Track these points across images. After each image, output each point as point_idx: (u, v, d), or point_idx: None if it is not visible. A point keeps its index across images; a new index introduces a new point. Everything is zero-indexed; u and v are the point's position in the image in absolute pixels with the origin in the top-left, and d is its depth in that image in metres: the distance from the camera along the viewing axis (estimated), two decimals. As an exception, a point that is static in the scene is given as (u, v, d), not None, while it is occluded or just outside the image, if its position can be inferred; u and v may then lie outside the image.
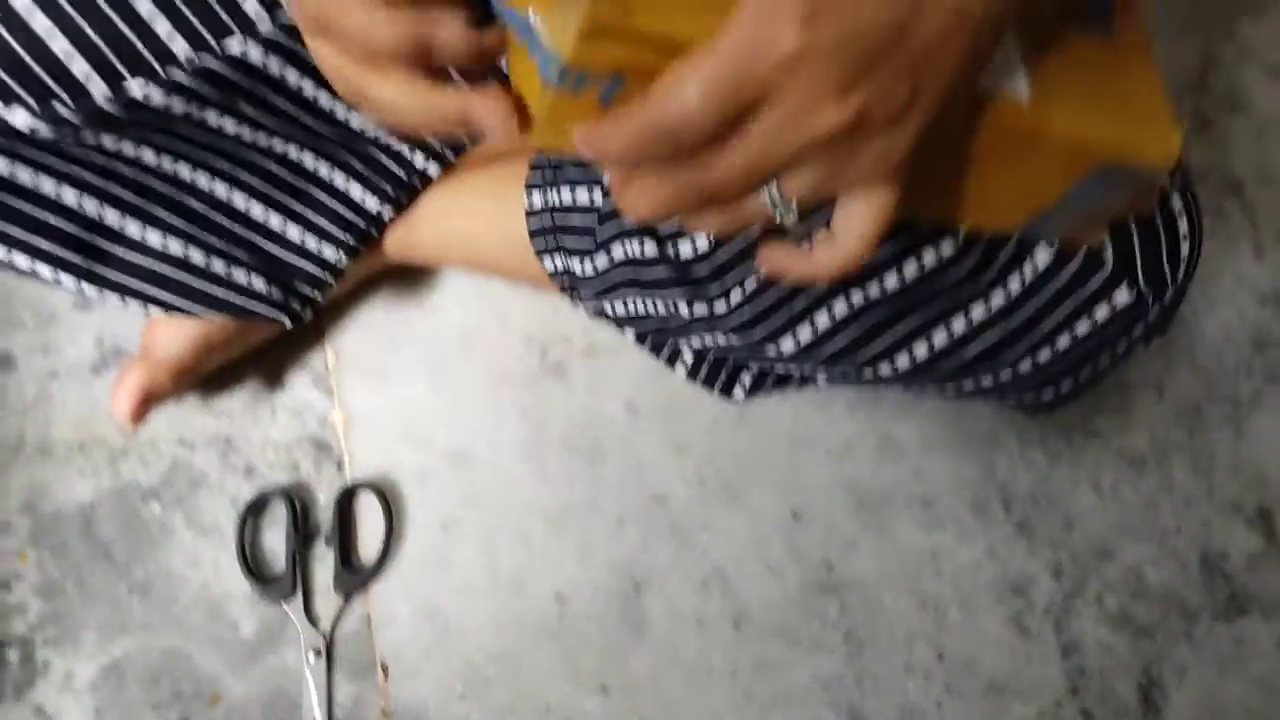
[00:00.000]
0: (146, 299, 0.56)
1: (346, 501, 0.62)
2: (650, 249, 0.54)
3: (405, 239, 0.62)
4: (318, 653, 0.58)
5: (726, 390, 0.65)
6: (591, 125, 0.32)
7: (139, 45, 0.45)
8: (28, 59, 0.44)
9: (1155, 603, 0.63)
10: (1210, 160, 0.76)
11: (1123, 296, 0.48)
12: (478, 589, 0.59)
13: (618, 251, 0.56)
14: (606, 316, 0.60)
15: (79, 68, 0.45)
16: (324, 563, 0.61)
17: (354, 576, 0.60)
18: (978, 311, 0.50)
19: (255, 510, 0.61)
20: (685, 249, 0.53)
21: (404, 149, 0.58)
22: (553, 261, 0.59)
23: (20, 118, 0.45)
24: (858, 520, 0.63)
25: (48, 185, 0.51)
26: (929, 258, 0.49)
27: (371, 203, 0.58)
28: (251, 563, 0.60)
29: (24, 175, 0.50)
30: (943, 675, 0.60)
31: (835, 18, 0.30)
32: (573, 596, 0.59)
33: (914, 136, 0.32)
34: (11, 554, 0.60)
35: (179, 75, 0.47)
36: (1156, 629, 0.62)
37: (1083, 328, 0.49)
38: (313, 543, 0.61)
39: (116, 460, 0.62)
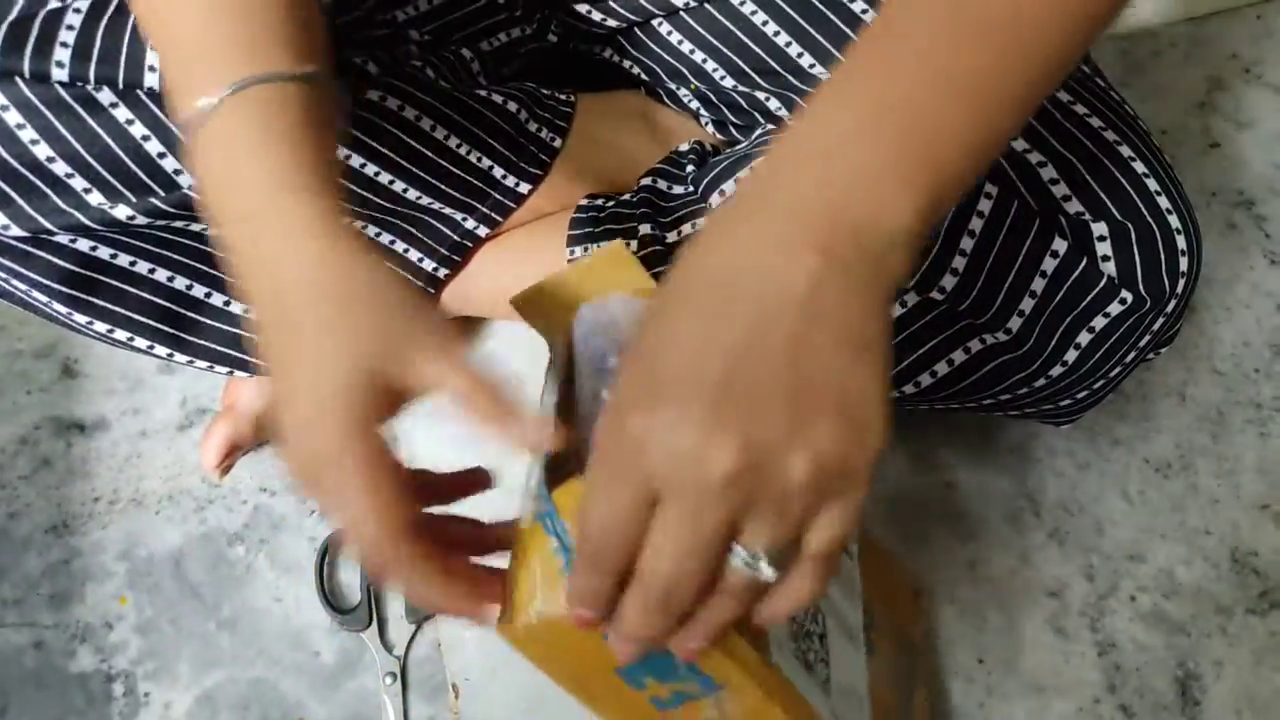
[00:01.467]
0: (230, 362, 0.62)
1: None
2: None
3: (461, 294, 0.68)
4: (393, 676, 0.64)
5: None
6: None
7: None
8: (130, 163, 0.51)
9: (1188, 600, 0.66)
10: (1221, 177, 0.80)
11: (1120, 307, 0.52)
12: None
13: (654, 294, 0.61)
14: (647, 355, 0.65)
15: (170, 164, 0.52)
16: (396, 594, 0.66)
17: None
18: (989, 339, 0.54)
19: (332, 549, 0.67)
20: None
21: (455, 214, 0.64)
22: (593, 308, 0.64)
23: (122, 211, 0.53)
24: (895, 533, 0.67)
25: (143, 266, 0.58)
26: (936, 294, 0.53)
27: (428, 264, 0.63)
28: (330, 596, 0.66)
29: (123, 260, 0.57)
30: (984, 678, 0.64)
31: (670, 387, 0.31)
32: (627, 616, 0.64)
33: (831, 434, 0.31)
34: (112, 598, 0.67)
35: None
36: (1190, 625, 0.65)
37: (1085, 338, 0.53)
38: None
39: (203, 509, 0.69)
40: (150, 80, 0.49)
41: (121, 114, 0.50)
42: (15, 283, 0.57)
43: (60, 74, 0.48)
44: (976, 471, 0.69)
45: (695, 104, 0.64)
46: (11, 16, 0.48)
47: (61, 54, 0.48)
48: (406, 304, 0.34)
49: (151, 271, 0.59)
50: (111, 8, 0.49)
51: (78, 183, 0.51)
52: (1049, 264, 0.51)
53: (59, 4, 0.49)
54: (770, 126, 0.59)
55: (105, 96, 0.49)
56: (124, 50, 0.49)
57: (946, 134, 0.34)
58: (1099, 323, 0.52)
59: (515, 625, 0.36)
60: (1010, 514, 0.68)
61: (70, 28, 0.48)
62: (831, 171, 0.33)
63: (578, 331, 0.41)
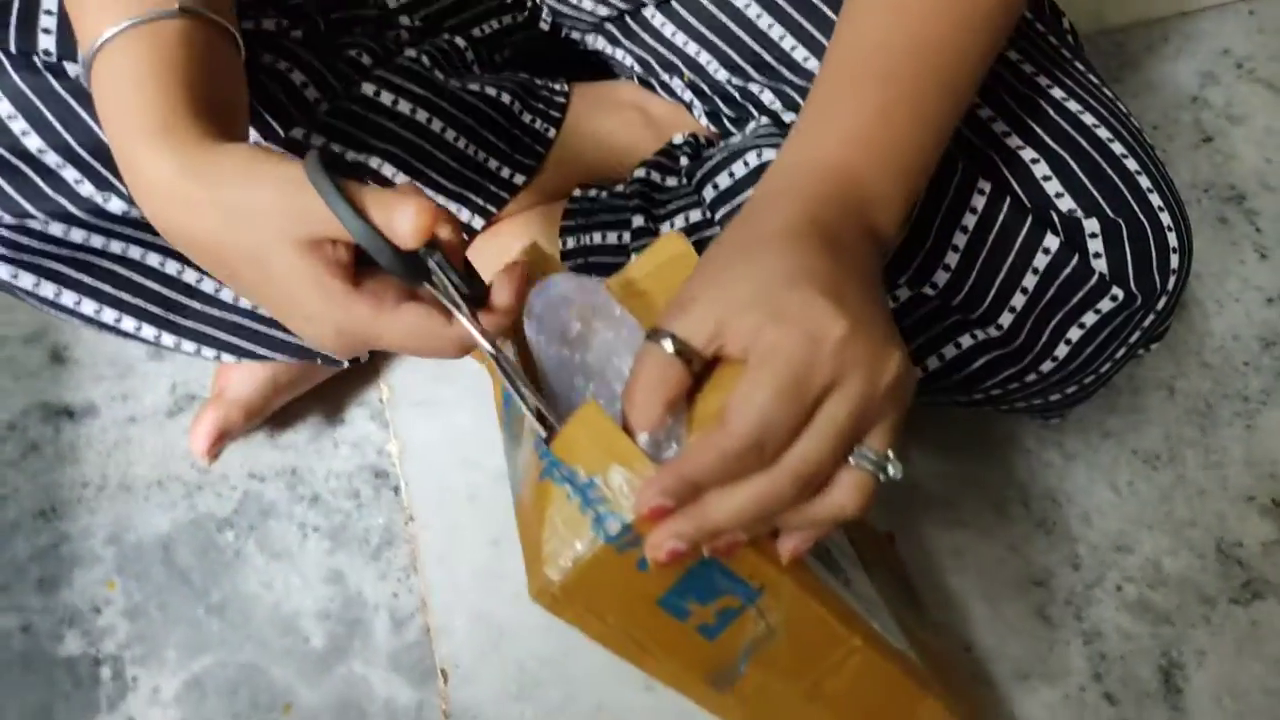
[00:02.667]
0: (220, 346, 0.63)
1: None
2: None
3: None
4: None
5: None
6: (682, 458, 0.36)
7: None
8: None
9: (1173, 590, 0.67)
10: (1212, 172, 0.82)
11: (1110, 303, 0.53)
12: (528, 598, 0.65)
13: (646, 285, 0.62)
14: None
15: None
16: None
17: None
18: (980, 335, 0.55)
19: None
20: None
21: (449, 205, 0.65)
22: (585, 297, 0.65)
23: (115, 204, 0.53)
24: (884, 521, 0.68)
25: (135, 251, 0.59)
26: (928, 290, 0.54)
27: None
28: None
29: (116, 246, 0.58)
30: (970, 665, 0.65)
31: (858, 299, 0.38)
32: (616, 604, 0.65)
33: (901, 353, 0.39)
34: (100, 582, 0.67)
35: None
36: (1175, 615, 0.66)
37: (1075, 334, 0.54)
38: None
39: (192, 494, 0.70)
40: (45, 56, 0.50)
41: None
42: (2, 266, 0.58)
43: (47, 41, 0.49)
44: (966, 461, 0.70)
45: (688, 95, 0.65)
46: None
47: (46, 40, 0.49)
48: (280, 172, 0.37)
49: (144, 256, 0.60)
50: None
51: (69, 173, 0.51)
52: (1040, 260, 0.52)
53: None
54: (764, 120, 0.59)
55: None
56: None
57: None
58: (1090, 319, 0.53)
59: (557, 582, 0.37)
60: (998, 504, 0.69)
61: (49, 13, 0.49)
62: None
63: (538, 301, 0.42)
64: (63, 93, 0.50)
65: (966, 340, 0.55)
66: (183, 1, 0.41)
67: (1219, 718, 0.64)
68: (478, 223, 0.66)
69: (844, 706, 0.47)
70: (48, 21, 0.49)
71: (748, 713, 0.46)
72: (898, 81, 0.44)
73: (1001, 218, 0.52)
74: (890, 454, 0.38)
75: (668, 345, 0.37)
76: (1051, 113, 0.53)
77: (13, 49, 0.49)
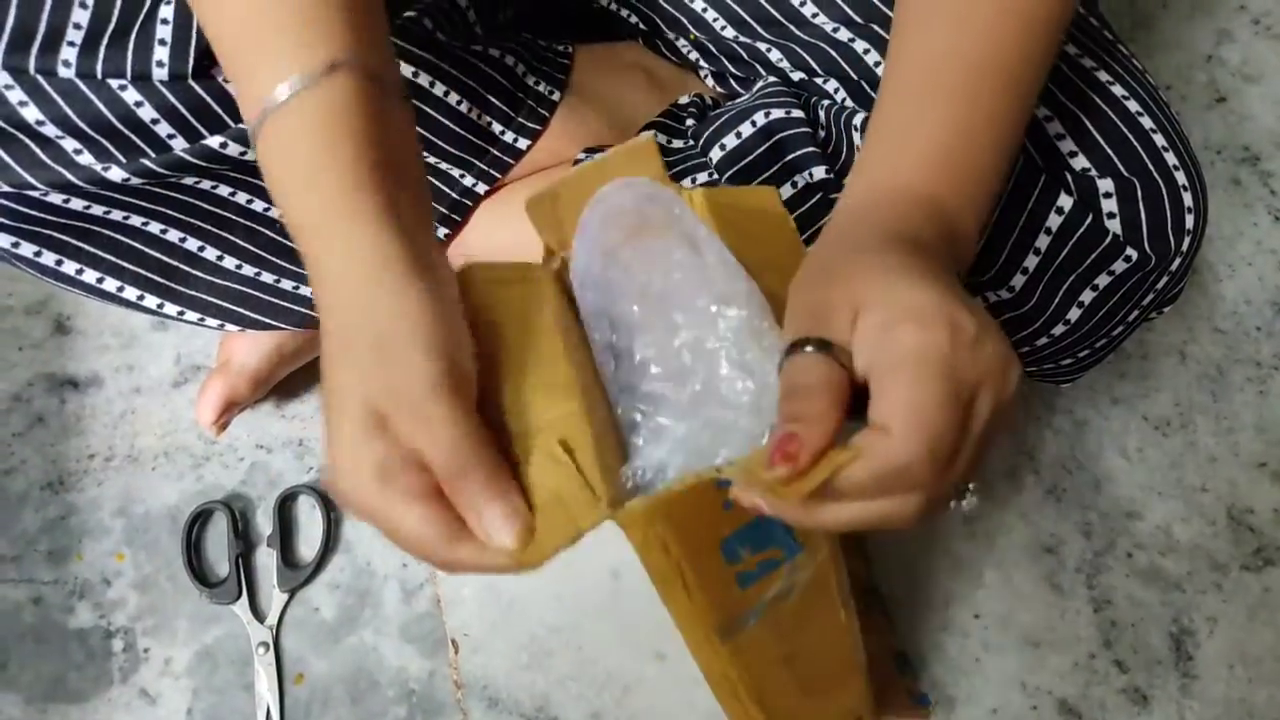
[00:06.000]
0: (223, 315, 0.62)
1: (285, 506, 0.68)
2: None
3: (457, 251, 0.68)
4: (265, 646, 0.64)
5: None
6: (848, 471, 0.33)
7: (217, 109, 0.52)
8: (122, 128, 0.51)
9: (1184, 557, 0.67)
10: (1226, 132, 0.80)
11: (1124, 264, 0.52)
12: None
13: (653, 249, 0.61)
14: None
15: (164, 129, 0.51)
16: (266, 563, 0.67)
17: (295, 573, 0.66)
18: (991, 297, 0.54)
19: (200, 521, 0.67)
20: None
21: (453, 170, 0.64)
22: (593, 261, 0.64)
23: (115, 173, 0.52)
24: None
25: (136, 220, 0.58)
26: None
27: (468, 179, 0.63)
28: (197, 570, 0.66)
29: (116, 214, 0.57)
30: (981, 633, 0.65)
31: (971, 303, 0.35)
32: (625, 572, 0.65)
33: None
34: (109, 554, 0.67)
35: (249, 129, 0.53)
36: (1186, 582, 0.66)
37: (1088, 296, 0.53)
38: (255, 548, 0.67)
39: (200, 465, 0.69)
40: (159, 73, 0.49)
41: (113, 80, 0.50)
42: (2, 236, 0.57)
43: (67, 72, 0.48)
44: (975, 429, 0.69)
45: (694, 55, 0.63)
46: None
47: (68, 52, 0.48)
48: (410, 343, 0.35)
49: (145, 224, 0.59)
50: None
51: (69, 144, 0.51)
52: (1054, 220, 0.51)
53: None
54: (772, 79, 0.58)
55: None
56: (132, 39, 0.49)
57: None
58: (1103, 281, 0.52)
59: (648, 500, 0.35)
60: (1009, 471, 0.69)
61: (78, 26, 0.48)
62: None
63: (592, 218, 0.39)
64: (62, 68, 0.49)
65: (978, 303, 0.54)
66: (346, 54, 0.37)
67: (1230, 685, 0.64)
68: (481, 188, 0.65)
69: (805, 673, 0.47)
70: (69, 54, 0.48)
71: (734, 666, 0.45)
72: (975, 99, 0.41)
73: (1014, 177, 0.51)
74: (973, 485, 0.35)
75: (816, 352, 0.34)
76: (1065, 69, 0.52)
77: (33, 70, 0.48)
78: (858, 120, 0.53)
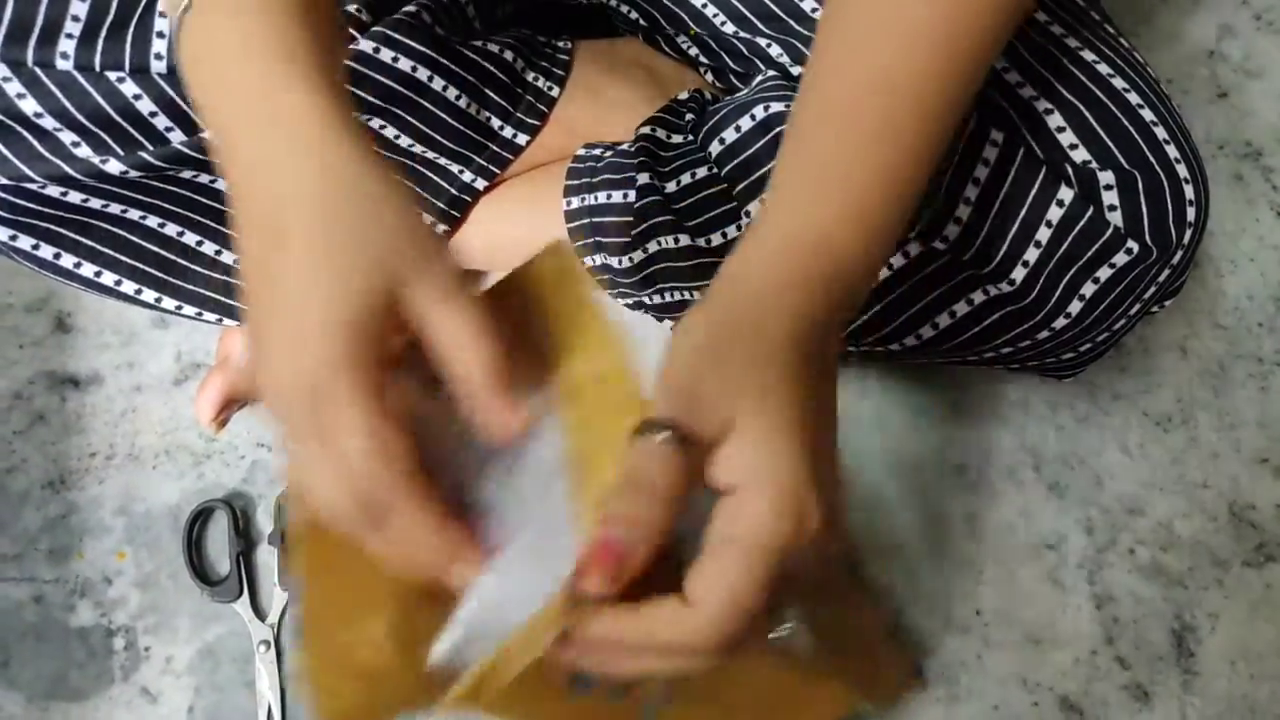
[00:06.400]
0: (221, 309, 0.62)
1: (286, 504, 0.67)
2: (685, 240, 0.59)
3: (456, 245, 0.68)
4: (267, 645, 0.64)
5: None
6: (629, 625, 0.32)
7: None
8: (120, 121, 0.51)
9: (1185, 553, 0.67)
10: (1229, 128, 0.80)
11: (1125, 256, 0.52)
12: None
13: (652, 245, 0.61)
14: (645, 307, 0.66)
15: (161, 123, 0.51)
16: (268, 560, 0.66)
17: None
18: (991, 290, 0.54)
19: (201, 519, 0.67)
20: (717, 238, 0.58)
21: (451, 166, 0.64)
22: (592, 259, 0.64)
23: (113, 166, 0.52)
24: (894, 487, 0.67)
25: (134, 214, 0.58)
26: (939, 244, 0.53)
27: (426, 219, 0.63)
28: (198, 568, 0.66)
29: (115, 208, 0.57)
30: (981, 629, 0.65)
31: (829, 449, 0.34)
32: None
33: None
34: (110, 553, 0.67)
35: None
36: (1187, 578, 0.66)
37: (1089, 289, 0.53)
38: (256, 546, 0.67)
39: (200, 463, 0.69)
40: (157, 66, 0.49)
41: (111, 74, 0.50)
42: (1, 228, 0.57)
43: (65, 64, 0.48)
44: (977, 425, 0.69)
45: (694, 50, 0.63)
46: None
47: (66, 44, 0.48)
48: (420, 225, 0.32)
49: (143, 218, 0.59)
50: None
51: (66, 136, 0.51)
52: (1054, 213, 0.51)
53: None
54: (771, 74, 0.58)
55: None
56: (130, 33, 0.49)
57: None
58: (1104, 274, 0.52)
59: (473, 674, 0.31)
60: (1010, 468, 0.69)
61: (76, 18, 0.48)
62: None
63: None
64: (60, 60, 0.49)
65: (978, 296, 0.54)
66: None
67: (1232, 681, 0.64)
68: (480, 184, 0.65)
69: (753, 709, 0.46)
70: (66, 45, 0.48)
71: None
72: (899, 135, 0.38)
73: (1014, 170, 0.51)
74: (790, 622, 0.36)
75: (663, 437, 0.31)
76: (1066, 62, 0.52)
77: (30, 63, 0.48)
78: None
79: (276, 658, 0.64)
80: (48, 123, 0.50)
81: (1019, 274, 0.52)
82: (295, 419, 0.30)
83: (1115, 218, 0.51)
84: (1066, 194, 0.50)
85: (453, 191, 0.63)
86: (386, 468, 0.30)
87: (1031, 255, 0.52)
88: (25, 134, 0.51)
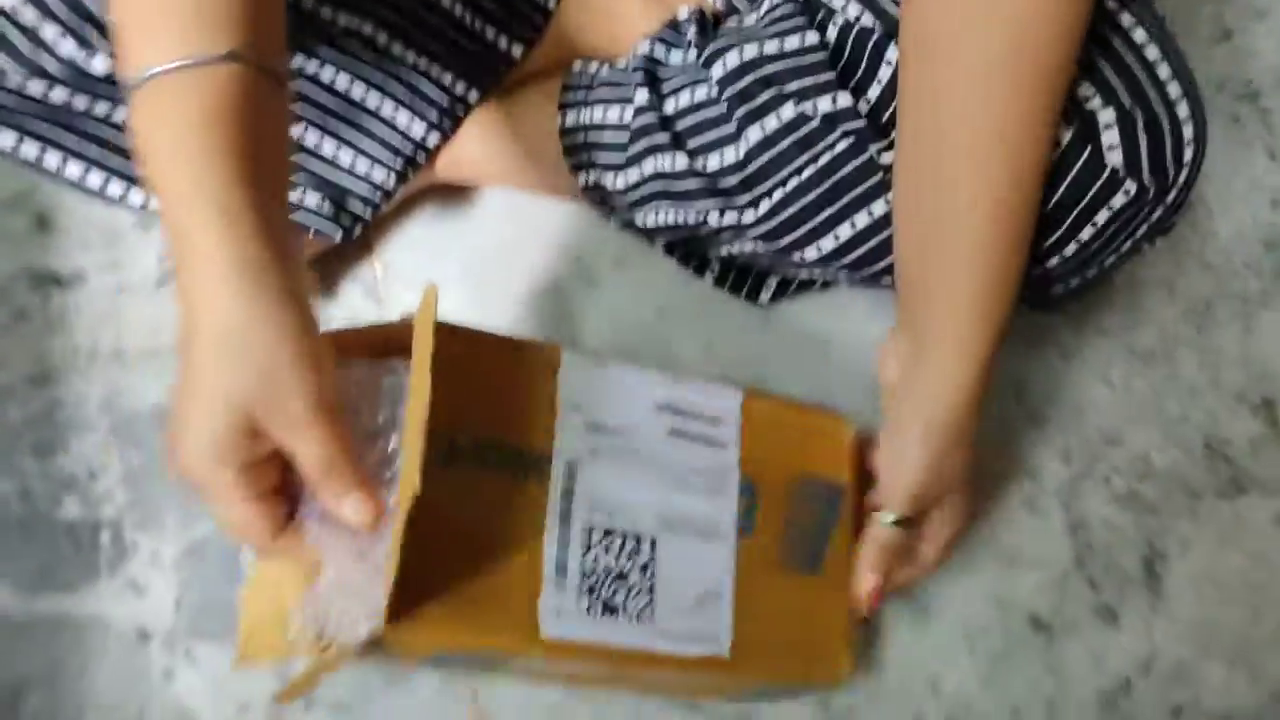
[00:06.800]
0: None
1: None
2: (681, 162, 0.59)
3: (449, 158, 0.67)
4: None
5: (753, 295, 0.70)
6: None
7: None
8: (104, 16, 0.49)
9: (1160, 483, 0.68)
10: (1230, 68, 0.80)
11: (1124, 198, 0.52)
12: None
13: (648, 166, 0.60)
14: (637, 228, 0.65)
15: None
16: None
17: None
18: None
19: None
20: (714, 161, 0.58)
21: (445, 76, 0.63)
22: (585, 177, 0.64)
23: (99, 63, 0.51)
24: (877, 412, 0.68)
25: (120, 114, 0.57)
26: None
27: (418, 129, 0.62)
28: None
29: (100, 108, 0.56)
30: (956, 553, 0.66)
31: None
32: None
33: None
34: (96, 448, 0.67)
35: None
36: (1161, 507, 0.68)
37: (1088, 233, 0.53)
38: None
39: (186, 365, 0.69)
40: None
41: None
42: (-19, 125, 0.56)
43: None
44: (962, 354, 0.70)
45: (698, -35, 0.62)
46: None
47: None
48: (282, 366, 0.38)
49: (128, 118, 0.58)
50: None
51: (48, 31, 0.49)
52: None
53: None
54: None
55: None
56: None
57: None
58: (1102, 217, 0.52)
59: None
60: (992, 397, 0.69)
61: None
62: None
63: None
64: None
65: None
66: (235, 46, 0.39)
67: (1198, 605, 0.66)
68: (473, 96, 0.64)
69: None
70: None
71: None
72: (1004, 267, 0.51)
73: None
74: None
75: (890, 520, 0.57)
76: None
77: None
78: (890, 54, 0.52)
79: None
80: (27, 15, 0.49)
81: None
82: (196, 490, 0.41)
83: (1114, 157, 0.50)
84: (1065, 133, 0.50)
85: (444, 104, 0.63)
86: (244, 532, 0.41)
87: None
88: (4, 27, 0.49)
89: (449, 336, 0.43)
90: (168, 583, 0.65)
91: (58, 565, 0.65)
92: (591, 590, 0.46)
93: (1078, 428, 0.69)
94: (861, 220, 0.55)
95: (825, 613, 0.55)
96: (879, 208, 0.54)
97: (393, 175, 0.63)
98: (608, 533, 0.48)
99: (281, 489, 0.42)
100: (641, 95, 0.60)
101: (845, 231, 0.56)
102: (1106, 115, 0.51)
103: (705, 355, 0.69)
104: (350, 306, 0.71)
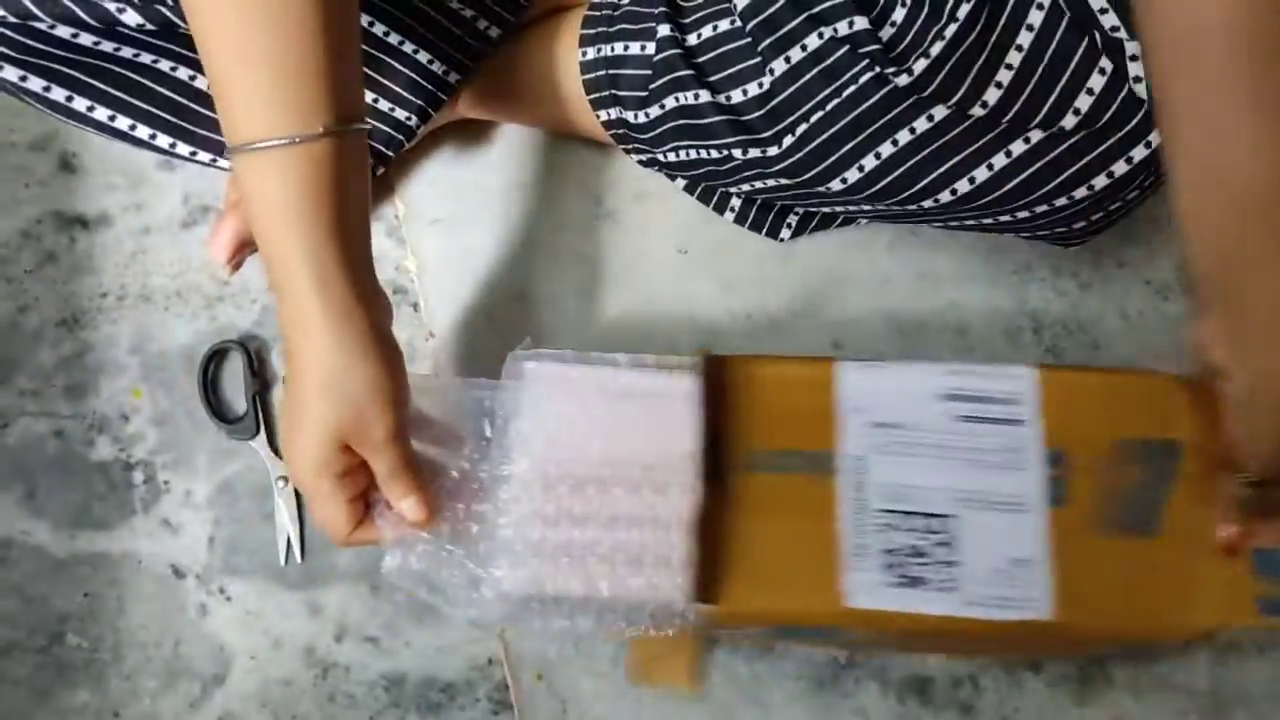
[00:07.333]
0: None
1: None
2: (704, 97, 0.59)
3: (470, 95, 0.67)
4: (284, 480, 0.67)
5: (773, 232, 0.70)
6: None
7: None
8: None
9: (1175, 415, 0.69)
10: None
11: (1159, 137, 0.52)
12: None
13: (670, 101, 0.60)
14: (658, 164, 0.66)
15: None
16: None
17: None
18: (1018, 147, 0.54)
19: (215, 359, 0.69)
20: (737, 95, 0.58)
21: (469, 15, 0.62)
22: (607, 112, 0.64)
23: (130, 17, 0.51)
24: (896, 348, 0.69)
25: (146, 57, 0.57)
26: (979, 109, 0.53)
27: (439, 68, 0.62)
28: (216, 406, 0.68)
29: (127, 51, 0.56)
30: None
31: None
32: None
33: None
34: (126, 390, 0.69)
35: None
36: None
37: (1120, 167, 0.53)
38: (271, 387, 0.69)
39: (212, 306, 0.70)
40: None
41: None
42: (9, 68, 0.56)
43: None
44: (980, 289, 0.71)
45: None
46: None
47: None
48: (369, 403, 0.47)
49: (155, 62, 0.58)
50: None
51: None
52: (1096, 81, 0.51)
53: None
54: None
55: None
56: None
57: None
58: (1139, 153, 0.52)
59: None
60: (1010, 330, 0.70)
61: None
62: None
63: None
64: None
65: (1000, 160, 0.54)
66: (328, 122, 0.44)
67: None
68: (494, 32, 0.64)
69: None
70: None
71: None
72: None
73: (1057, 36, 0.51)
74: None
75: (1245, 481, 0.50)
76: None
77: None
78: None
79: (295, 492, 0.66)
80: None
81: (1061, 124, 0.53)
82: (302, 493, 0.56)
83: (1140, 89, 0.51)
84: (1106, 63, 0.50)
85: (468, 41, 0.62)
86: (338, 531, 0.51)
87: (1069, 122, 0.52)
88: None
89: (734, 366, 0.54)
90: (201, 521, 0.67)
91: (93, 504, 0.67)
92: (890, 567, 0.51)
93: (1093, 360, 0.70)
94: (886, 150, 0.55)
95: (1170, 567, 0.53)
96: (904, 136, 0.54)
97: (415, 114, 0.63)
98: (906, 514, 0.52)
99: (366, 495, 0.51)
100: (664, 28, 0.60)
101: (870, 163, 0.56)
102: (1132, 47, 0.51)
103: (725, 293, 0.70)
104: (375, 245, 0.71)
